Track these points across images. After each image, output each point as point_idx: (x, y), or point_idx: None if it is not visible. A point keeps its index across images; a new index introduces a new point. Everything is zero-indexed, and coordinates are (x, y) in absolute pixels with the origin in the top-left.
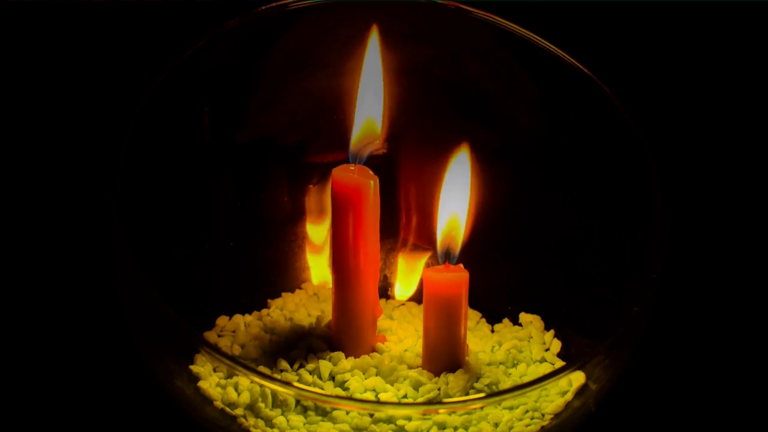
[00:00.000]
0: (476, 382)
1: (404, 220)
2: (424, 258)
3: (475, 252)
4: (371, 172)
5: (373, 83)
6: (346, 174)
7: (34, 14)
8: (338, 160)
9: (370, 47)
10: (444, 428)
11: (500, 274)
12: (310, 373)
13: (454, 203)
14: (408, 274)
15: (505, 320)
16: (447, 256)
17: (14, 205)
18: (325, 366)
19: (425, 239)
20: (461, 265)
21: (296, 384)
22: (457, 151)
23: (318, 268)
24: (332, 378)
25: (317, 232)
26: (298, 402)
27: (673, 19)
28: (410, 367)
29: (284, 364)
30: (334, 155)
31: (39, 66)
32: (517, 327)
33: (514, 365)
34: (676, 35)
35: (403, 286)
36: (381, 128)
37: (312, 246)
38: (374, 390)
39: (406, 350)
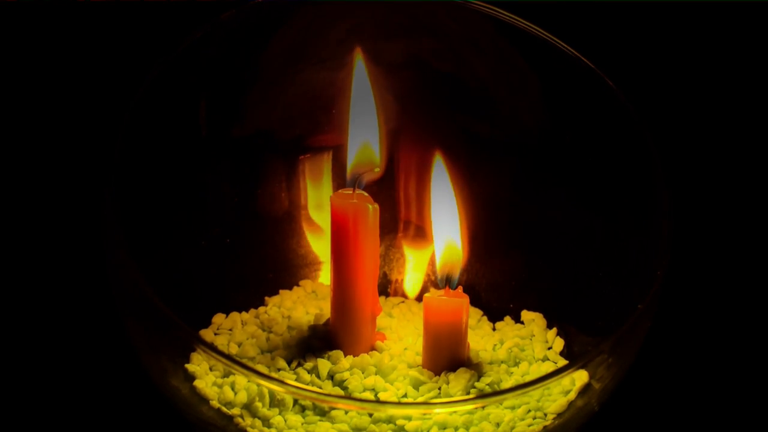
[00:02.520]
0: (477, 381)
1: (403, 214)
2: (429, 249)
3: (477, 248)
4: (371, 198)
5: (366, 107)
6: (345, 200)
7: (34, 14)
8: (337, 156)
9: (357, 69)
10: (445, 428)
11: (502, 271)
12: (309, 372)
13: (446, 228)
14: (416, 269)
15: (507, 318)
16: (447, 281)
17: (9, 202)
18: (323, 365)
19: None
20: (461, 289)
21: (294, 383)
22: (432, 168)
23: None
24: (331, 377)
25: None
26: (295, 401)
27: (677, 13)
28: (410, 366)
29: (282, 362)
30: (333, 150)
31: (37, 64)
32: (519, 325)
33: (516, 364)
34: (679, 29)
35: (412, 281)
36: (379, 155)
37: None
38: (373, 389)
39: (405, 348)
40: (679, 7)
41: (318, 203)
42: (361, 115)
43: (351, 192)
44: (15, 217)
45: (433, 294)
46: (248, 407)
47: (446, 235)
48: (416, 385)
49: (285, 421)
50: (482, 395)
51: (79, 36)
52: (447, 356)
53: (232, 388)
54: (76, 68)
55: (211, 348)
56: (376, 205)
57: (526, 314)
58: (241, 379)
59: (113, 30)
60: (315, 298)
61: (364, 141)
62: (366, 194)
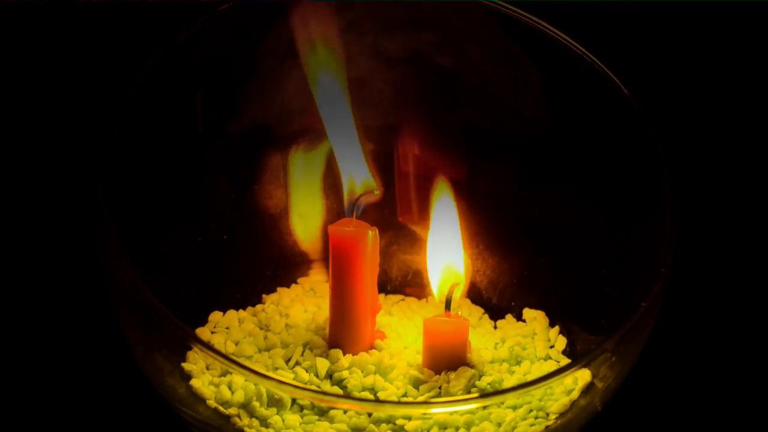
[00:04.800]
0: (478, 380)
1: (402, 209)
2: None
3: (478, 245)
4: (369, 225)
5: (349, 142)
6: (344, 229)
7: (34, 14)
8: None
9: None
10: (445, 428)
11: (503, 269)
12: (307, 371)
13: (446, 251)
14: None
15: (509, 316)
16: (447, 305)
17: (4, 198)
18: (322, 363)
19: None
20: (460, 313)
21: (292, 382)
22: (436, 193)
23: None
24: (329, 376)
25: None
26: (294, 401)
27: (679, 8)
28: (410, 365)
29: (280, 361)
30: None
31: (37, 64)
32: (520, 323)
33: (518, 363)
34: (681, 24)
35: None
36: (373, 181)
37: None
38: (373, 388)
39: (405, 347)
40: (681, 3)
41: (308, 199)
42: (343, 144)
43: (350, 220)
44: (9, 213)
45: (432, 316)
46: (246, 407)
47: (444, 259)
48: (416, 384)
49: (283, 420)
50: (483, 395)
51: (79, 36)
52: (448, 354)
53: (229, 388)
54: (74, 67)
55: (208, 347)
56: (375, 230)
57: (527, 312)
58: (238, 378)
59: (113, 29)
60: (313, 296)
61: (350, 174)
62: (364, 222)
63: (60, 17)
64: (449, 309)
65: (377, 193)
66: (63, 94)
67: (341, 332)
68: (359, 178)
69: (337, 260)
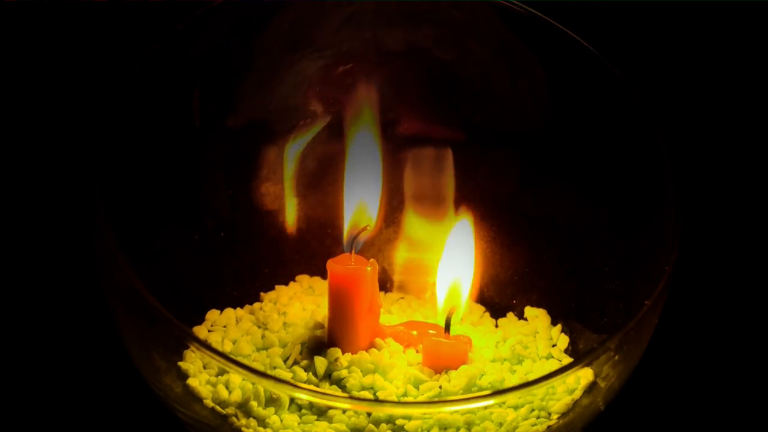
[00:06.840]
0: (479, 379)
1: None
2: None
3: (479, 243)
4: (366, 261)
5: (369, 161)
6: (343, 266)
7: (34, 14)
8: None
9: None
10: (446, 428)
11: (505, 266)
12: (305, 370)
13: (457, 267)
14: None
15: (510, 314)
16: (447, 326)
17: None
18: (320, 363)
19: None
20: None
21: (290, 381)
22: (458, 217)
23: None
24: (328, 375)
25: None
26: (292, 400)
27: (685, 5)
28: (410, 364)
29: (278, 360)
30: (329, 142)
31: (36, 64)
32: (522, 322)
33: (519, 362)
34: (687, 21)
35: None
36: (376, 213)
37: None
38: (372, 388)
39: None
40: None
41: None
42: (361, 175)
43: (349, 256)
44: (6, 211)
45: (432, 338)
46: (243, 406)
47: (453, 275)
48: (416, 383)
49: (281, 420)
50: (484, 394)
51: (79, 36)
52: (448, 353)
53: (227, 387)
54: (74, 67)
55: (205, 345)
56: (375, 265)
57: (529, 311)
58: (235, 377)
59: (112, 29)
60: (312, 294)
61: (360, 201)
62: (363, 258)
63: (60, 17)
64: (449, 331)
65: (370, 228)
66: (62, 93)
67: (340, 330)
68: (366, 214)
69: (335, 295)
